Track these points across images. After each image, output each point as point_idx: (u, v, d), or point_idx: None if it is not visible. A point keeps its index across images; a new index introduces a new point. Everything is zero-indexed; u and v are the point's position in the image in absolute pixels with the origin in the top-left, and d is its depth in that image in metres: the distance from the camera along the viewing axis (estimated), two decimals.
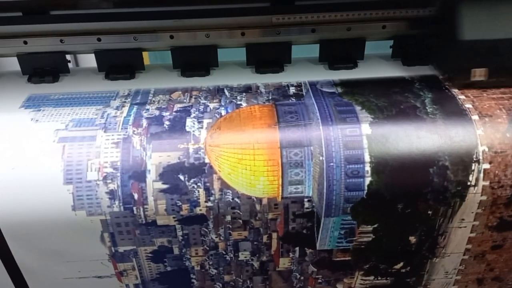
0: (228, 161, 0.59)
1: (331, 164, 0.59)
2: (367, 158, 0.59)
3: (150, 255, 0.64)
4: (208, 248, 0.64)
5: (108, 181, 0.58)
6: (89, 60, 0.78)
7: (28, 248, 0.61)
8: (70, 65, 0.77)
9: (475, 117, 0.62)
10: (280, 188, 0.60)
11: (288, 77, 0.74)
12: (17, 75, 0.77)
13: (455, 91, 0.67)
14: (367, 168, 0.59)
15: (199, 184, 0.59)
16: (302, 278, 0.68)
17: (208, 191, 0.59)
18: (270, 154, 0.59)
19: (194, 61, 0.77)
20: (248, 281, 0.68)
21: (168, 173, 0.58)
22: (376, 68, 0.77)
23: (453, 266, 0.68)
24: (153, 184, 0.58)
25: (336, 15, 0.75)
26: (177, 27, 0.74)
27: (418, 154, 0.59)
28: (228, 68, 0.79)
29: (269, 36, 0.76)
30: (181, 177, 0.58)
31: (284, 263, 0.66)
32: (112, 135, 0.61)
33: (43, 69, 0.76)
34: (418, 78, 0.71)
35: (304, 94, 0.68)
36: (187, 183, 0.59)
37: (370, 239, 0.63)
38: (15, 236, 0.60)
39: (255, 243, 0.64)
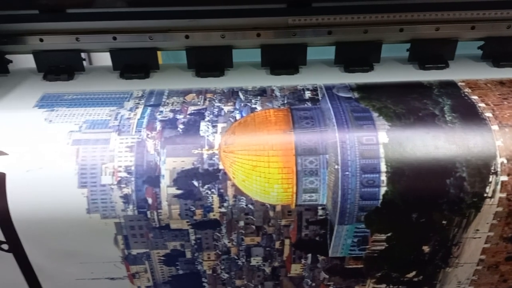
0: (243, 167, 0.59)
1: (347, 173, 0.58)
2: (383, 167, 0.58)
3: (162, 258, 0.64)
4: (220, 253, 0.64)
5: (123, 185, 0.58)
6: (102, 59, 0.78)
7: (42, 249, 0.61)
8: (84, 63, 0.77)
9: (494, 127, 0.61)
10: (294, 196, 0.59)
11: (303, 79, 0.73)
12: (33, 72, 0.77)
13: (474, 98, 0.66)
14: (383, 177, 0.58)
15: (213, 190, 0.58)
16: (313, 284, 0.67)
17: (222, 197, 0.59)
18: (285, 162, 0.59)
19: (209, 62, 0.76)
20: (259, 286, 0.68)
21: (182, 179, 0.58)
22: (392, 71, 0.76)
23: (466, 276, 0.67)
24: (167, 189, 0.58)
25: (353, 17, 0.74)
26: (193, 27, 0.74)
27: (435, 164, 0.58)
28: (243, 69, 0.78)
29: (285, 37, 0.75)
30: (195, 183, 0.58)
31: (296, 269, 0.66)
32: (126, 138, 0.61)
33: (59, 67, 0.76)
34: (436, 84, 0.69)
35: (320, 98, 0.67)
36: (201, 189, 0.58)
37: (383, 247, 0.63)
38: (29, 237, 0.60)
39: (267, 248, 0.63)
